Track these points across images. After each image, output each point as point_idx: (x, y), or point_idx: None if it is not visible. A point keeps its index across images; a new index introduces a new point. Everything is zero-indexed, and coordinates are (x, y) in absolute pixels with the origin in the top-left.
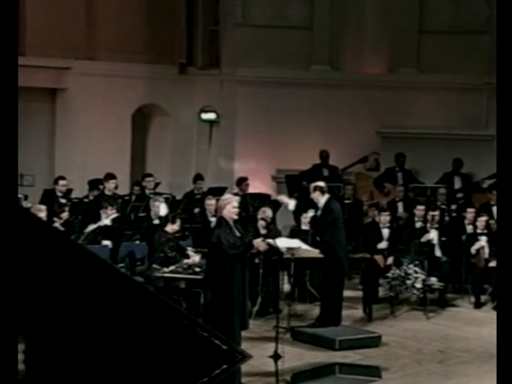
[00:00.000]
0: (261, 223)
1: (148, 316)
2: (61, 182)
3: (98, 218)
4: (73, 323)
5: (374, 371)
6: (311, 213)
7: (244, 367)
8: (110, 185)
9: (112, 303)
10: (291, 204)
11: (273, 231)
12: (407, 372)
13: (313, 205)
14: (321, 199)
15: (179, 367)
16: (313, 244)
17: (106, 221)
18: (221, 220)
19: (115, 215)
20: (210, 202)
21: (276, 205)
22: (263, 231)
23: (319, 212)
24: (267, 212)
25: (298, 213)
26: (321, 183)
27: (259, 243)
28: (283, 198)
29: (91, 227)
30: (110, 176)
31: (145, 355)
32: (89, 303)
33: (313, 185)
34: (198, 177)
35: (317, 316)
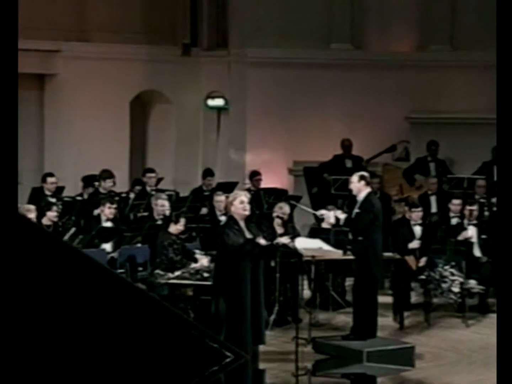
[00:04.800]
0: (277, 221)
1: (152, 327)
2: (49, 179)
3: (92, 218)
4: (69, 334)
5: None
6: (337, 212)
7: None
8: (106, 184)
9: (111, 313)
10: (332, 217)
11: (291, 230)
12: (442, 362)
13: (333, 201)
14: (363, 192)
15: (186, 381)
16: (336, 245)
17: (107, 223)
18: (230, 218)
19: (113, 212)
20: (219, 199)
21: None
22: (280, 230)
23: (356, 208)
24: (284, 208)
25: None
26: (366, 173)
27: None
28: (323, 213)
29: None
30: (107, 175)
31: (149, 369)
32: (86, 313)
33: (358, 174)
34: (208, 173)
35: (350, 328)
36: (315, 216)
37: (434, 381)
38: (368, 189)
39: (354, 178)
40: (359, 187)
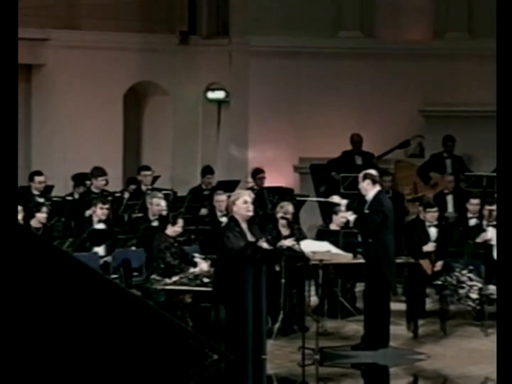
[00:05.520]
0: (282, 222)
1: (148, 335)
2: (37, 178)
3: (83, 220)
4: (60, 342)
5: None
6: (346, 213)
7: None
8: (98, 182)
9: (104, 320)
10: (343, 203)
11: (296, 232)
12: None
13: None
14: (371, 191)
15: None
16: (345, 247)
17: (100, 225)
18: (231, 220)
19: (106, 212)
20: (220, 198)
21: (299, 201)
22: (285, 232)
23: (365, 209)
24: (285, 207)
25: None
26: (372, 171)
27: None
28: (336, 201)
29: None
30: (99, 172)
31: (145, 380)
32: (78, 321)
33: (363, 172)
34: (207, 170)
35: (361, 337)
36: (323, 217)
37: (450, 372)
38: (376, 188)
39: (359, 177)
40: (365, 187)
